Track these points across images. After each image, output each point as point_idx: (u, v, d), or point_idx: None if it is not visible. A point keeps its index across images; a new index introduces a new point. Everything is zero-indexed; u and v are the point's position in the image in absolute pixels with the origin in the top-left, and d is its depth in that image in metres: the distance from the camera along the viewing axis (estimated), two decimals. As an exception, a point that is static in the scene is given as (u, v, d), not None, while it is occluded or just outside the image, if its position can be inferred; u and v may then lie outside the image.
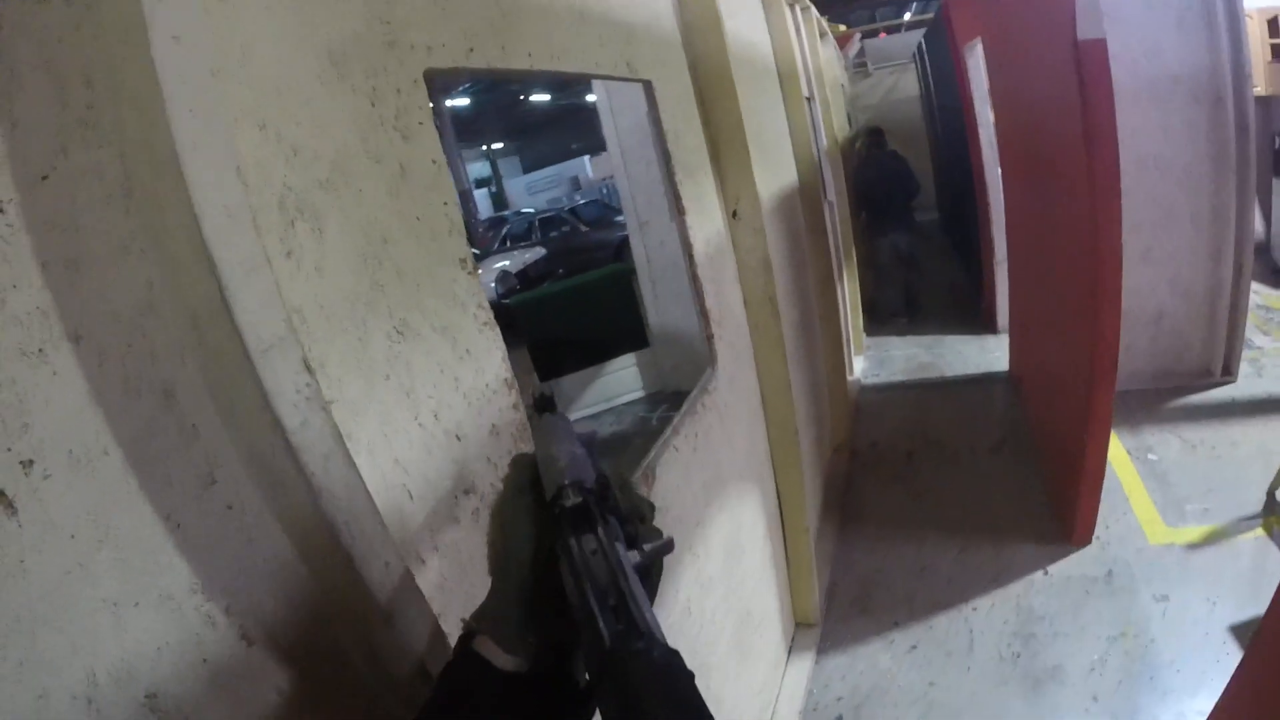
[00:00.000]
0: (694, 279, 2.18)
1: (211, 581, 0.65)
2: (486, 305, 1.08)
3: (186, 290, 0.65)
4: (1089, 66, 2.61)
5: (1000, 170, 5.35)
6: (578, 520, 0.57)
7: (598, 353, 7.05)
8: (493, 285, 10.60)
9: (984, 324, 6.47)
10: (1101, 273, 2.75)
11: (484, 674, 0.59)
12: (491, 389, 1.08)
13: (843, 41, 11.42)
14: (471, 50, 1.15)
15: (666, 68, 2.24)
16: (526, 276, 11.59)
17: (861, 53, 12.97)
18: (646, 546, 0.59)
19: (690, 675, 0.45)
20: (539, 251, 12.81)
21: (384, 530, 0.79)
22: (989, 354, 5.91)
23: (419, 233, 0.96)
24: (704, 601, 2.06)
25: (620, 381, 7.21)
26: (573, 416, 5.83)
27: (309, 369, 0.70)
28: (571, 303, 6.82)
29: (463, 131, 21.07)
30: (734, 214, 2.61)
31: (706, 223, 2.39)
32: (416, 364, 0.95)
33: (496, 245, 15.32)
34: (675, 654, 0.46)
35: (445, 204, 1.01)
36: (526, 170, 29.34)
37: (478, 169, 28.37)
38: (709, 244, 2.36)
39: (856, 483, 4.48)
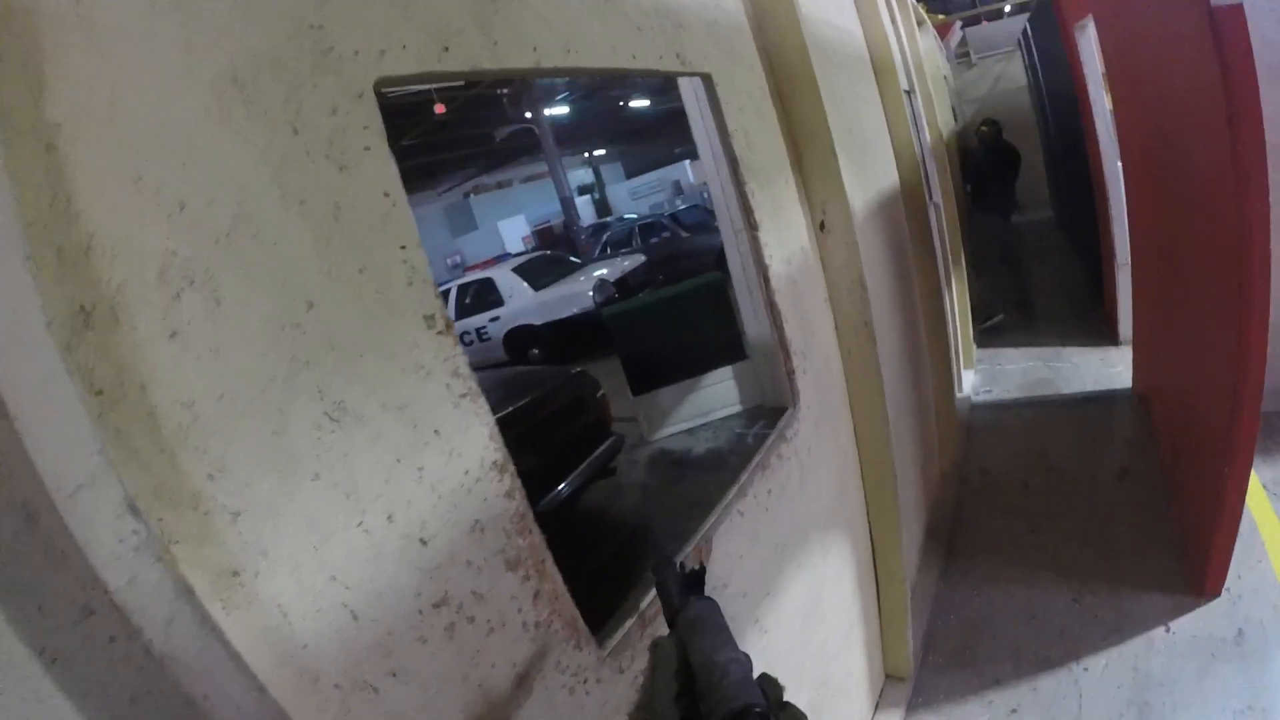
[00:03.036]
0: (770, 305, 1.90)
1: (99, 714, 0.56)
2: (465, 371, 0.87)
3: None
4: (1228, 37, 2.19)
5: (1121, 163, 4.76)
6: None
7: (693, 366, 6.79)
8: (590, 294, 10.51)
9: (1105, 333, 5.79)
10: (1248, 278, 2.30)
11: None
12: (473, 476, 0.88)
13: (943, 31, 10.74)
14: (446, 49, 0.94)
15: (731, 60, 1.96)
16: (625, 285, 11.32)
17: (963, 41, 12.09)
18: None
19: None
20: (638, 259, 12.58)
21: (262, 695, 0.60)
22: (1110, 368, 5.26)
23: (361, 289, 0.76)
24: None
25: (717, 396, 6.92)
26: (668, 432, 5.54)
27: (135, 512, 0.53)
28: (665, 314, 6.58)
29: (564, 139, 21.31)
30: (821, 225, 2.32)
31: (788, 237, 2.12)
32: (359, 455, 0.75)
33: (596, 252, 15.35)
34: None
35: (403, 247, 0.81)
36: (629, 176, 29.47)
37: (580, 176, 28.66)
38: (790, 262, 2.08)
39: (965, 513, 4.04)
